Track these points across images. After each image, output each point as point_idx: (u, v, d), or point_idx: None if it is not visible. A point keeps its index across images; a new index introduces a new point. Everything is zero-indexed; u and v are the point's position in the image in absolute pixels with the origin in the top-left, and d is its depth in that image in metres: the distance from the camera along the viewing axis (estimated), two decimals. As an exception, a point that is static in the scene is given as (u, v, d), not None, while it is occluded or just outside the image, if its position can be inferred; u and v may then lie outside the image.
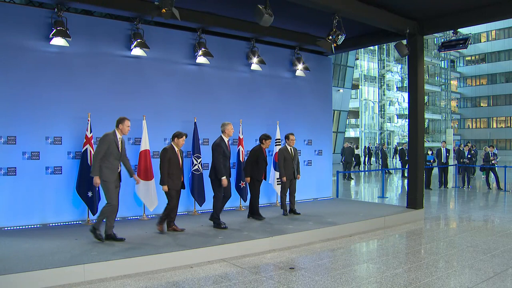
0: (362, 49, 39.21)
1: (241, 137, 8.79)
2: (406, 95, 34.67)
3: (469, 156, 16.04)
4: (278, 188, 9.30)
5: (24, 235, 6.23)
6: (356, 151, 23.89)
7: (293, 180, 8.36)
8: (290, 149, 8.31)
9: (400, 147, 20.92)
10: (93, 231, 5.90)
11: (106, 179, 5.84)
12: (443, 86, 49.49)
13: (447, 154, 15.45)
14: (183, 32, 8.48)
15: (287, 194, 8.38)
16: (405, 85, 42.01)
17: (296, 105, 10.29)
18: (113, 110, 7.61)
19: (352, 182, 17.92)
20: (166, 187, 6.54)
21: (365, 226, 7.73)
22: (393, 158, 34.20)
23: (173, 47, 8.38)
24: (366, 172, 22.87)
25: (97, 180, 5.82)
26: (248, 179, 7.78)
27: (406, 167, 13.45)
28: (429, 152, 15.25)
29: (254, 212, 7.87)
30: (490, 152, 15.02)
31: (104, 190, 5.91)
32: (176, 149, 6.69)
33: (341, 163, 20.83)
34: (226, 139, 7.17)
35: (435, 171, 16.62)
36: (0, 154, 6.64)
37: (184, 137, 6.79)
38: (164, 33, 8.27)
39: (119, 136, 6.04)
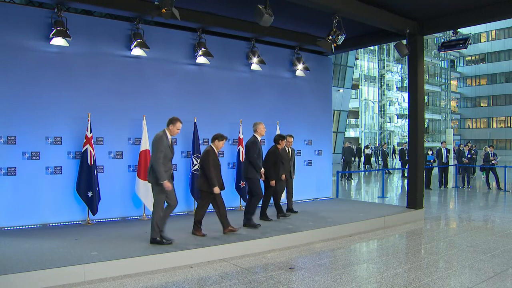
0: (362, 49, 39.22)
1: (241, 137, 8.79)
2: (406, 95, 34.66)
3: (469, 156, 16.05)
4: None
5: (24, 235, 6.23)
6: (367, 151, 23.77)
7: (290, 180, 8.39)
8: (288, 149, 8.35)
9: (400, 147, 20.93)
10: (157, 242, 5.68)
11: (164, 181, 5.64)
12: (443, 86, 49.52)
13: (447, 154, 15.45)
14: (183, 32, 8.48)
15: (284, 193, 8.40)
16: (405, 85, 42.03)
17: (296, 105, 10.29)
18: (113, 110, 7.64)
19: (352, 182, 17.93)
20: (217, 189, 6.28)
21: (365, 226, 7.73)
22: (392, 158, 34.15)
23: (173, 47, 8.38)
24: (366, 172, 22.87)
25: (168, 184, 5.65)
26: (273, 182, 7.47)
27: (406, 167, 13.45)
28: (429, 152, 15.25)
29: (263, 213, 7.79)
30: (490, 152, 15.02)
31: (157, 190, 5.74)
32: (216, 151, 6.53)
33: (341, 162, 20.85)
34: (259, 138, 7.21)
35: (435, 171, 16.63)
36: (0, 154, 6.64)
37: (225, 140, 6.62)
38: (164, 33, 8.27)
39: (169, 136, 5.91)
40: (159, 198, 5.77)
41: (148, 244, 5.77)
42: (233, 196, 8.96)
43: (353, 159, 21.29)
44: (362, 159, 27.88)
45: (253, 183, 7.10)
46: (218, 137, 6.53)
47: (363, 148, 31.47)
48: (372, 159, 31.51)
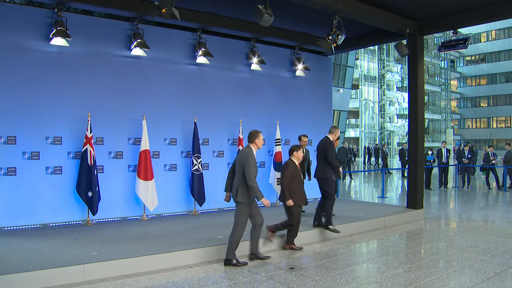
0: (362, 49, 39.22)
1: (241, 137, 8.79)
2: (406, 95, 34.64)
3: (469, 156, 16.05)
4: (278, 188, 9.29)
5: (24, 235, 6.23)
6: (385, 149, 23.48)
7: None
8: (303, 149, 8.04)
9: (400, 147, 20.94)
10: (232, 264, 5.46)
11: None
12: (443, 86, 49.52)
13: (447, 154, 15.46)
14: (183, 32, 8.48)
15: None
16: (405, 85, 42.04)
17: (296, 105, 10.28)
18: (113, 110, 7.63)
19: (352, 182, 17.93)
20: (291, 202, 6.10)
21: (365, 226, 7.73)
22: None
23: (173, 47, 8.38)
24: (366, 172, 22.87)
25: (267, 201, 5.48)
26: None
27: (406, 167, 13.45)
28: (429, 152, 15.26)
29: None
30: (490, 152, 15.02)
31: (244, 211, 5.58)
32: (297, 162, 6.36)
33: None
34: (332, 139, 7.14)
35: (435, 171, 16.63)
36: (0, 154, 6.64)
37: (301, 149, 6.46)
38: (164, 33, 8.27)
39: (254, 151, 5.67)
40: (245, 219, 5.58)
41: (148, 244, 5.76)
42: (233, 196, 8.95)
43: (353, 158, 21.34)
44: (361, 159, 27.88)
45: (329, 185, 7.00)
46: (295, 148, 6.38)
47: (362, 148, 31.48)
48: (372, 158, 31.53)
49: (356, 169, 25.66)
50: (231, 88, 9.18)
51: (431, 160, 15.24)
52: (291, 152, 6.38)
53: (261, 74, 9.57)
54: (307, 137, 8.59)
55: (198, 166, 8.15)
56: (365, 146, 35.09)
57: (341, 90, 31.03)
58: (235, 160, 5.82)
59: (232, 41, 9.19)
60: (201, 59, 8.36)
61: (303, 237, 6.73)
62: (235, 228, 5.55)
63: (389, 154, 30.07)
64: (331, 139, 7.08)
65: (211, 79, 8.87)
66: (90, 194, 6.98)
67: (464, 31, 36.57)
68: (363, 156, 32.97)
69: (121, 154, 7.71)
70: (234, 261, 5.46)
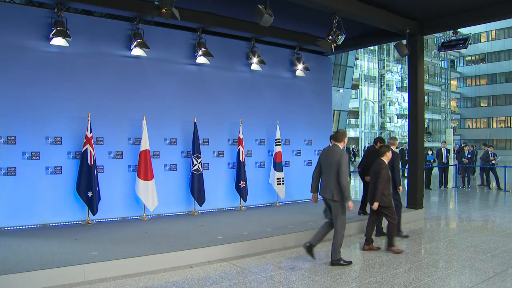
0: (362, 49, 39.22)
1: (241, 137, 8.79)
2: (406, 95, 34.64)
3: (469, 156, 16.05)
4: (278, 188, 9.30)
5: (24, 235, 6.23)
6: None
7: None
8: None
9: (400, 147, 20.96)
10: (340, 264, 5.50)
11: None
12: (443, 86, 49.50)
13: (448, 154, 15.46)
14: (183, 32, 8.48)
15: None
16: (405, 85, 42.02)
17: (296, 105, 10.28)
18: (113, 110, 7.64)
19: (352, 182, 17.95)
20: (376, 205, 6.18)
21: (365, 226, 7.70)
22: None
23: (173, 47, 8.38)
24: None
25: (352, 204, 5.51)
26: (368, 177, 7.28)
27: (406, 167, 13.45)
28: (429, 152, 15.25)
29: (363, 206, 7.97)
30: (490, 152, 15.02)
31: (343, 209, 5.54)
32: (386, 161, 6.34)
33: None
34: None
35: (435, 171, 16.62)
36: (0, 154, 6.64)
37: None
38: (164, 33, 8.27)
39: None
40: (345, 216, 5.60)
41: (148, 244, 5.77)
42: (233, 196, 8.96)
43: (353, 159, 21.45)
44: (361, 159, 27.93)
45: (396, 193, 7.08)
46: (386, 150, 6.37)
47: (362, 148, 31.48)
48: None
49: (356, 169, 25.65)
50: (231, 88, 9.18)
51: (431, 160, 15.23)
52: (383, 152, 6.34)
53: (261, 74, 9.57)
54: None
55: (198, 166, 8.15)
56: (365, 146, 35.09)
57: (341, 90, 31.03)
58: (319, 160, 5.80)
59: (232, 41, 9.19)
60: (201, 59, 8.36)
61: (304, 237, 6.72)
62: (337, 228, 5.54)
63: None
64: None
65: (211, 79, 8.87)
66: (90, 194, 6.98)
67: (464, 31, 36.57)
68: (361, 157, 32.93)
69: (121, 154, 7.71)
70: (342, 261, 5.50)
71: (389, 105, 43.12)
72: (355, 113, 43.61)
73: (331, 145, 5.78)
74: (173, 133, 8.29)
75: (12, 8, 6.94)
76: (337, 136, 5.64)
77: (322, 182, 5.69)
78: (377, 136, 41.04)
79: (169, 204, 8.19)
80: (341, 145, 5.57)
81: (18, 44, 6.80)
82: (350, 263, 5.58)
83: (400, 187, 7.14)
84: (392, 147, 7.00)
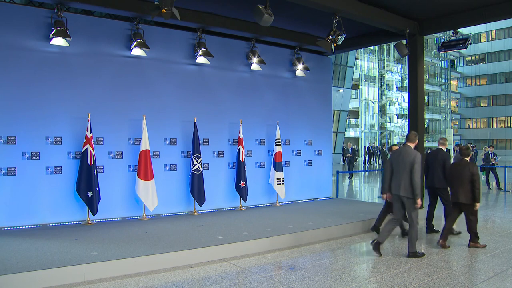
0: (362, 49, 39.22)
1: (241, 137, 8.78)
2: (406, 95, 34.66)
3: None
4: (278, 188, 9.30)
5: (24, 235, 6.23)
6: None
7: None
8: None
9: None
10: (417, 255, 5.90)
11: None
12: (443, 86, 49.51)
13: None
14: (183, 32, 8.48)
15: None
16: (405, 85, 42.03)
17: (296, 105, 10.29)
18: (113, 110, 7.64)
19: (352, 182, 17.96)
20: (478, 205, 6.43)
21: (365, 226, 7.72)
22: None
23: (173, 47, 8.38)
24: (366, 172, 22.88)
25: (420, 202, 5.85)
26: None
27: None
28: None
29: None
30: (490, 152, 15.02)
31: (414, 206, 5.87)
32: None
33: (341, 163, 21.16)
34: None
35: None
36: (0, 154, 6.64)
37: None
38: (164, 33, 8.27)
39: None
40: (417, 211, 5.98)
41: (148, 244, 5.77)
42: (233, 196, 8.96)
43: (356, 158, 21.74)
44: (361, 159, 27.97)
45: (444, 192, 7.30)
46: (467, 151, 6.66)
47: (362, 148, 31.50)
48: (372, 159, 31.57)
49: (356, 169, 25.65)
50: (231, 88, 9.18)
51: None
52: (467, 154, 6.62)
53: (261, 74, 9.58)
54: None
55: (198, 166, 8.15)
56: (365, 146, 35.08)
57: (341, 90, 31.02)
58: (391, 160, 6.20)
59: (232, 41, 9.19)
60: (201, 59, 8.36)
61: (304, 237, 6.73)
62: (412, 223, 5.90)
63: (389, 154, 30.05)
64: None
65: (211, 79, 8.87)
66: (90, 194, 6.99)
67: (464, 31, 36.60)
68: (363, 156, 32.97)
69: (121, 154, 7.72)
70: (418, 253, 5.90)
71: (389, 105, 43.12)
72: (355, 113, 43.60)
73: (402, 146, 6.24)
74: (173, 133, 8.30)
75: (12, 8, 6.94)
76: (410, 137, 6.15)
77: (394, 180, 6.06)
78: (377, 135, 41.06)
79: (169, 204, 8.19)
80: (412, 146, 6.04)
81: (18, 44, 6.80)
82: (423, 255, 5.97)
83: None
84: (442, 147, 7.41)
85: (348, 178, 19.19)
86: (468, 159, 6.59)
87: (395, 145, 8.07)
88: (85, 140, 7.01)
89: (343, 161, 31.60)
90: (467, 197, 6.38)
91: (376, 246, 5.98)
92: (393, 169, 6.09)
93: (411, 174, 5.79)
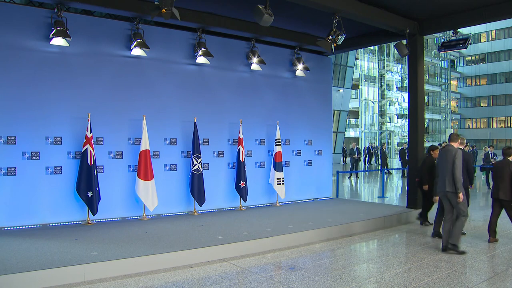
0: (362, 49, 39.21)
1: (241, 137, 8.78)
2: (406, 95, 34.63)
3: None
4: (278, 188, 9.30)
5: (24, 235, 6.23)
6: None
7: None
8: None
9: (400, 147, 21.06)
10: (460, 252, 6.11)
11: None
12: (443, 86, 49.50)
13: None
14: (183, 32, 8.48)
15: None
16: (405, 85, 42.02)
17: (296, 105, 10.29)
18: (113, 110, 7.64)
19: (353, 182, 17.97)
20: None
21: (365, 226, 7.73)
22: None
23: (173, 47, 8.38)
24: (366, 172, 22.88)
25: (462, 195, 6.13)
26: (426, 186, 7.95)
27: (406, 167, 13.45)
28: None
29: (424, 215, 8.30)
30: (490, 152, 15.01)
31: (463, 201, 6.18)
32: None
33: (341, 163, 21.24)
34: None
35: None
36: (0, 154, 6.64)
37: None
38: (164, 33, 8.27)
39: None
40: (465, 205, 6.28)
41: (148, 244, 5.77)
42: (233, 196, 8.96)
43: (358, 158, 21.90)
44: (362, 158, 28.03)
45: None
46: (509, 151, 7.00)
47: (362, 148, 31.52)
48: (372, 159, 31.57)
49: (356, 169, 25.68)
50: (231, 88, 9.18)
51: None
52: (508, 153, 6.98)
53: (261, 74, 9.58)
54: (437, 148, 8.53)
55: (198, 166, 8.15)
56: (365, 146, 35.07)
57: (341, 90, 31.01)
58: (437, 161, 6.70)
59: (232, 41, 9.19)
60: (201, 59, 8.36)
61: (304, 237, 6.73)
62: (460, 216, 6.17)
63: (389, 154, 30.10)
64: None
65: (211, 79, 8.87)
66: (90, 194, 6.98)
67: (464, 31, 36.58)
68: (363, 156, 32.95)
69: (121, 154, 7.72)
70: (459, 249, 6.11)
71: (389, 105, 43.11)
72: (355, 113, 43.60)
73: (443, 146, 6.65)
74: (173, 133, 8.30)
75: (12, 8, 6.94)
76: (452, 137, 6.56)
77: (440, 179, 6.38)
78: (377, 135, 41.08)
79: (169, 204, 8.19)
80: (455, 145, 6.39)
81: (18, 44, 6.80)
82: (464, 252, 6.13)
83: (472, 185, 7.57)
84: (461, 146, 7.29)
85: (349, 178, 19.31)
86: (510, 158, 6.92)
87: (435, 146, 8.21)
88: (85, 140, 7.01)
89: (344, 161, 31.64)
90: (506, 194, 6.76)
91: (452, 248, 6.18)
92: (439, 169, 6.45)
93: (453, 169, 6.13)
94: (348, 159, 21.31)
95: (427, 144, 33.21)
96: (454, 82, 54.10)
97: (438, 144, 14.99)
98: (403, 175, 19.36)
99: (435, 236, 7.23)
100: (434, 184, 7.43)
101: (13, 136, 6.75)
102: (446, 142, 7.81)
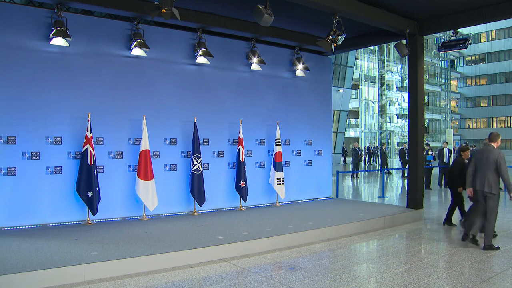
0: (362, 49, 39.22)
1: (241, 137, 8.78)
2: (406, 95, 34.65)
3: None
4: (278, 188, 9.30)
5: (24, 235, 6.23)
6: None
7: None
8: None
9: (400, 147, 21.08)
10: (494, 248, 6.30)
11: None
12: (443, 86, 49.51)
13: (449, 155, 15.49)
14: (183, 32, 8.48)
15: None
16: (405, 85, 42.03)
17: (296, 105, 10.29)
18: (113, 110, 7.64)
19: (354, 182, 17.99)
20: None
21: (365, 226, 7.73)
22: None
23: (173, 47, 8.38)
24: (366, 172, 22.88)
25: None
26: (461, 188, 7.93)
27: (406, 167, 13.46)
28: (430, 152, 15.28)
29: (450, 216, 8.38)
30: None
31: (497, 201, 6.41)
32: None
33: (341, 163, 21.30)
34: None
35: (435, 171, 16.61)
36: (0, 154, 6.64)
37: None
38: (164, 33, 8.27)
39: None
40: (497, 207, 6.47)
41: (148, 244, 5.77)
42: (233, 196, 8.96)
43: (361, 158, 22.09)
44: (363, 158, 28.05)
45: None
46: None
47: (362, 148, 31.53)
48: (372, 159, 31.57)
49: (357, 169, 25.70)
50: (231, 88, 9.18)
51: (431, 160, 15.26)
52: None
53: (261, 74, 9.57)
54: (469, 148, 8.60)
55: (198, 166, 8.15)
56: (365, 146, 35.08)
57: (341, 90, 31.02)
58: (474, 160, 6.65)
59: (232, 41, 9.19)
60: (201, 59, 8.36)
61: (304, 237, 6.74)
62: (491, 217, 6.36)
63: (389, 154, 30.10)
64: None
65: (211, 79, 8.87)
66: (90, 194, 6.98)
67: (464, 31, 36.59)
68: (363, 156, 32.96)
69: (121, 154, 7.72)
70: (495, 246, 6.31)
71: (389, 105, 43.12)
72: (355, 113, 43.61)
73: (483, 145, 6.74)
74: (173, 133, 8.30)
75: (12, 8, 6.94)
76: (492, 137, 6.64)
77: (479, 178, 6.47)
78: (377, 135, 41.08)
79: (169, 204, 8.19)
80: (495, 145, 6.50)
81: (18, 44, 6.80)
82: (498, 248, 6.33)
83: None
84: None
85: (353, 177, 19.54)
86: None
87: (466, 147, 8.30)
88: (85, 140, 7.01)
89: (344, 161, 31.64)
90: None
91: (474, 240, 6.44)
92: (477, 168, 6.52)
93: (500, 173, 6.28)
94: (349, 159, 21.39)
95: (432, 144, 33.33)
96: (454, 82, 54.11)
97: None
98: (403, 175, 19.36)
99: (464, 240, 6.86)
100: (463, 178, 7.28)
101: (13, 136, 6.75)
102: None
